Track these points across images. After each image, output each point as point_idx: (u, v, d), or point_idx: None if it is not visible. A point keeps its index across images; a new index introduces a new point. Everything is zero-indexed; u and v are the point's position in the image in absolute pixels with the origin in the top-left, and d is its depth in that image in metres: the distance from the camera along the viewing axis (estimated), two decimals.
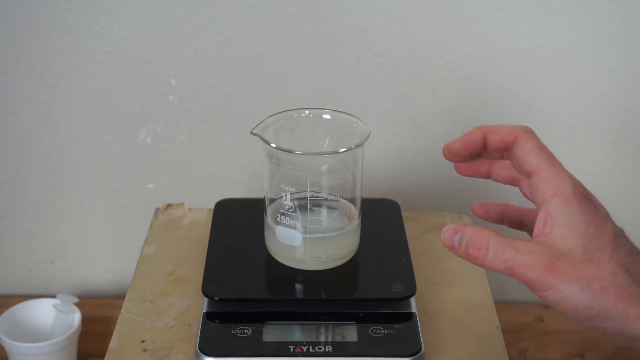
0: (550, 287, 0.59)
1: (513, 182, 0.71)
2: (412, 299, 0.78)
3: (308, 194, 0.77)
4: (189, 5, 1.04)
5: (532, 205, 0.69)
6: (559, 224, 0.61)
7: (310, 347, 0.73)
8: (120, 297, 0.87)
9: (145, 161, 1.13)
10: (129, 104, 1.09)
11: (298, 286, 0.79)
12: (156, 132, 1.11)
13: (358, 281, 0.81)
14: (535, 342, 1.19)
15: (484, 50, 1.06)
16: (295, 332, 0.75)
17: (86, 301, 1.15)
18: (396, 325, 0.75)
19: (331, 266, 0.79)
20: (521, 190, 0.71)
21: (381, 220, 0.89)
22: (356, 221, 0.80)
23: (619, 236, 0.62)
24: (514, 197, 1.16)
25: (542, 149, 0.64)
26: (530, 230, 0.71)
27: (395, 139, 1.12)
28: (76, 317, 1.09)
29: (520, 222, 0.72)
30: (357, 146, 0.76)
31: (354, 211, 0.80)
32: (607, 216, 0.63)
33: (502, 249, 0.60)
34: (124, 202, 1.16)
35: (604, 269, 0.59)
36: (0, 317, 1.09)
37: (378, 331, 0.75)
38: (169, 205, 0.97)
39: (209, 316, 0.77)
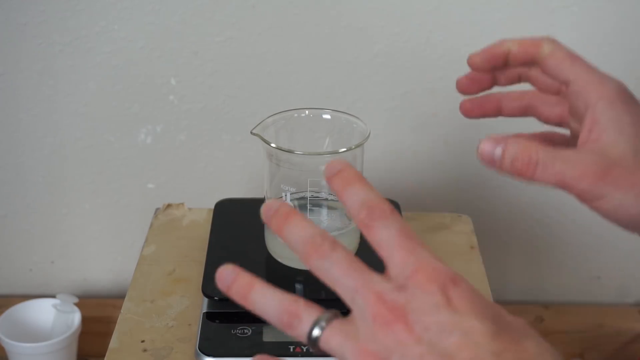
0: (603, 195, 0.56)
1: (527, 110, 0.67)
2: None
3: (308, 194, 0.77)
4: (189, 5, 1.04)
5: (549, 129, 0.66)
6: (606, 129, 0.58)
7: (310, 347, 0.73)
8: (120, 297, 0.87)
9: (145, 161, 1.13)
10: (129, 104, 1.09)
11: (298, 286, 0.79)
12: (156, 132, 1.11)
13: None
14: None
15: None
16: None
17: (86, 301, 1.15)
18: None
19: None
20: (539, 116, 0.67)
21: None
22: None
23: None
24: (513, 193, 1.16)
25: (573, 55, 0.61)
26: (536, 115, 0.68)
27: (395, 139, 1.12)
28: (76, 317, 1.09)
29: (524, 109, 0.68)
30: (357, 146, 0.76)
31: None
32: None
33: (553, 162, 0.56)
34: (124, 202, 1.16)
35: None
36: (0, 317, 1.09)
37: None
38: (169, 205, 0.97)
39: (209, 316, 0.77)
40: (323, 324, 0.47)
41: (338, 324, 0.46)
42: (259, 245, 0.83)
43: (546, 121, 0.67)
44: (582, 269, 1.20)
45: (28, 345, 1.05)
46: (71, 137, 1.12)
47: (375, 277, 0.47)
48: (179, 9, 1.04)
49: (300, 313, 0.47)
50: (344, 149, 0.75)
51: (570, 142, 0.66)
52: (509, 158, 0.57)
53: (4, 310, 1.10)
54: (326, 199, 0.79)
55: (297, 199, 0.78)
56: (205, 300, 0.78)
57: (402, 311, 0.45)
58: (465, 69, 0.69)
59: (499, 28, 1.05)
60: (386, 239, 0.48)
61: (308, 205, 0.78)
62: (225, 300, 0.77)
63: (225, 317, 0.77)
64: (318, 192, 0.78)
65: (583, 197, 0.58)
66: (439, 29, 1.05)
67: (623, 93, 0.60)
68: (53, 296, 1.12)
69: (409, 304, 0.45)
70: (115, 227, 1.18)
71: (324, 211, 0.79)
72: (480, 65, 0.66)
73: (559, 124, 0.67)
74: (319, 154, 0.77)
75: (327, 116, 0.82)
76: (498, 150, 0.57)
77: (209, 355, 0.73)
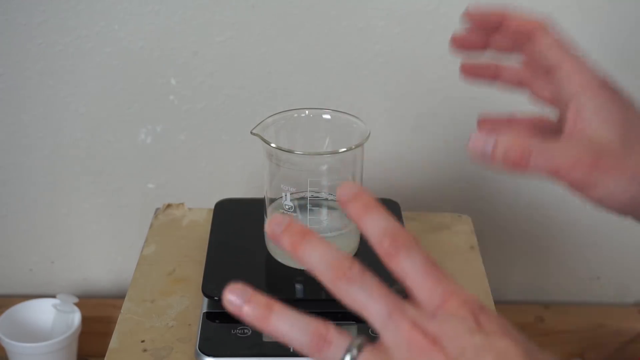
0: (595, 184, 0.57)
1: (522, 84, 0.68)
2: None
3: (308, 194, 0.77)
4: (189, 5, 1.04)
5: (541, 110, 0.67)
6: (592, 117, 0.59)
7: None
8: (120, 297, 0.87)
9: (145, 161, 1.13)
10: (129, 104, 1.09)
11: (298, 286, 0.79)
12: (156, 132, 1.11)
13: None
14: (535, 342, 1.19)
15: None
16: None
17: (86, 301, 1.15)
18: None
19: None
20: (532, 93, 0.67)
21: None
22: None
23: None
24: (513, 193, 1.16)
25: (563, 42, 0.62)
26: (545, 135, 0.68)
27: (395, 139, 1.12)
28: (76, 317, 1.09)
29: (530, 132, 0.68)
30: (357, 146, 0.76)
31: None
32: (636, 106, 0.61)
33: (545, 152, 0.57)
34: (124, 202, 1.16)
35: None
36: (0, 317, 1.09)
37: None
38: (169, 205, 0.97)
39: (209, 316, 0.77)
40: (355, 351, 0.46)
41: (370, 350, 0.46)
42: (259, 245, 0.83)
43: (537, 98, 0.67)
44: (582, 269, 1.20)
45: (28, 345, 1.05)
46: (71, 137, 1.12)
47: (406, 304, 0.47)
48: (179, 9, 1.04)
49: (331, 338, 0.47)
50: (344, 149, 0.75)
51: (558, 127, 0.66)
52: (501, 150, 0.58)
53: (4, 310, 1.10)
54: (326, 199, 0.79)
55: (297, 199, 0.78)
56: (205, 300, 0.78)
57: (437, 337, 0.45)
58: None
59: None
60: (412, 268, 0.48)
61: (308, 205, 0.78)
62: None
63: (225, 317, 0.76)
64: (318, 192, 0.78)
65: (576, 186, 0.58)
66: (439, 29, 1.05)
67: (606, 82, 0.61)
68: (53, 296, 1.12)
69: (442, 330, 0.46)
70: (115, 227, 1.18)
71: (324, 211, 0.79)
72: (473, 19, 0.66)
73: (550, 103, 0.67)
74: (319, 154, 0.77)
75: (327, 116, 0.82)
76: (489, 145, 0.58)
77: (209, 355, 0.73)
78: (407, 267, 0.48)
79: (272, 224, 0.49)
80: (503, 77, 0.69)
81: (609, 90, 0.60)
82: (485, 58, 0.69)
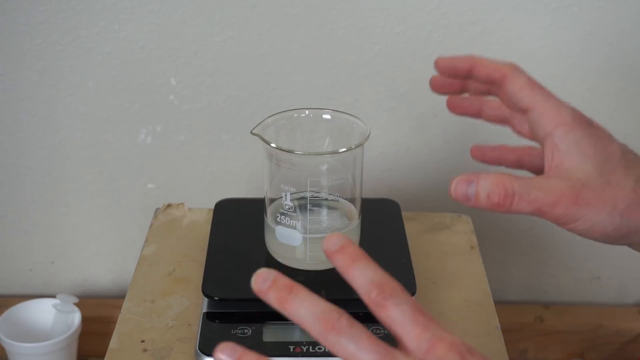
0: (577, 218, 0.59)
1: (504, 121, 0.70)
2: None
3: (308, 194, 0.77)
4: (189, 5, 1.04)
5: (528, 143, 0.69)
6: (568, 153, 0.60)
7: (310, 347, 0.73)
8: (120, 297, 0.87)
9: (145, 161, 1.13)
10: (129, 104, 1.10)
11: None
12: (156, 132, 1.11)
13: None
14: (535, 342, 1.19)
15: (484, 50, 1.06)
16: (295, 332, 0.75)
17: (86, 301, 1.15)
18: None
19: (331, 266, 0.79)
20: (513, 129, 0.70)
21: (381, 220, 0.89)
22: (356, 221, 0.80)
23: (627, 152, 0.62)
24: None
25: (533, 83, 0.63)
26: (529, 168, 0.71)
27: (395, 139, 1.12)
28: (76, 317, 1.09)
29: (518, 162, 0.71)
30: (357, 146, 0.76)
31: (354, 211, 0.80)
32: (610, 136, 0.63)
33: (528, 191, 0.59)
34: (124, 202, 1.16)
35: (624, 188, 0.59)
36: (0, 317, 1.09)
37: (378, 331, 0.74)
38: (169, 205, 0.97)
39: (209, 316, 0.77)
40: None
41: None
42: (259, 245, 0.83)
43: (519, 135, 0.70)
44: (582, 269, 1.20)
45: (28, 345, 1.05)
46: (71, 137, 1.12)
47: (396, 352, 0.48)
48: (179, 9, 1.04)
49: None
50: (344, 149, 0.75)
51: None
52: (484, 194, 0.59)
53: (4, 310, 1.10)
54: (326, 199, 0.79)
55: (297, 199, 0.78)
56: (205, 300, 0.78)
57: None
58: None
59: (499, 28, 1.05)
60: (400, 317, 0.49)
61: (308, 205, 0.78)
62: (225, 300, 0.78)
63: (225, 317, 0.77)
64: (318, 192, 0.78)
65: (559, 222, 0.60)
66: (439, 29, 1.05)
67: (579, 118, 0.62)
68: (53, 296, 1.12)
69: None
70: (115, 227, 1.18)
71: (324, 211, 0.78)
72: (442, 70, 0.68)
73: (530, 139, 0.69)
74: (319, 154, 0.77)
75: (327, 116, 0.82)
76: (472, 189, 0.59)
77: (209, 355, 0.73)
78: (395, 315, 0.49)
79: (258, 281, 0.50)
80: (485, 115, 0.71)
81: (582, 124, 0.62)
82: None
